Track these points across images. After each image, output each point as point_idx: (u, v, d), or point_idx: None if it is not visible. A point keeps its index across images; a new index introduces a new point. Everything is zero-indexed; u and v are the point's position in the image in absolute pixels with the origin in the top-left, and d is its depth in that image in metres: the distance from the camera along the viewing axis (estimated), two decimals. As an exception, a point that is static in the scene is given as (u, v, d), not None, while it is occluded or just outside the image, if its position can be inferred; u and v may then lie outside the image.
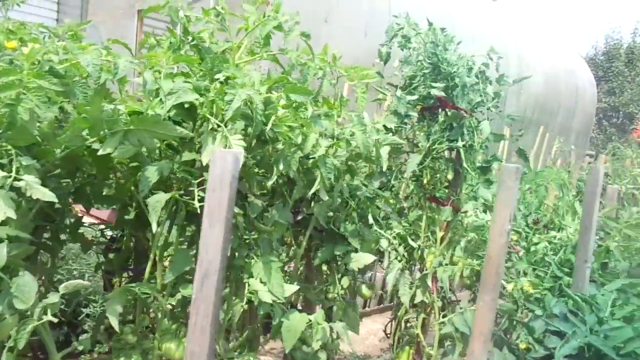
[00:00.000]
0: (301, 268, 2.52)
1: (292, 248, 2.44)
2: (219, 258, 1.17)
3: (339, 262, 2.35)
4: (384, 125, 2.92)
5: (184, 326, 2.01)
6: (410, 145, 3.01)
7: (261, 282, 1.62)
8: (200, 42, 1.82)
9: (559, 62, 14.23)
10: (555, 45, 14.61)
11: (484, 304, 1.47)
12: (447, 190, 2.97)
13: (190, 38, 1.81)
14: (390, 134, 2.91)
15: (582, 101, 14.95)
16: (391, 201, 3.13)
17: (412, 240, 2.68)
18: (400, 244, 2.39)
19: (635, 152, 6.59)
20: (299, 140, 1.66)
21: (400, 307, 2.93)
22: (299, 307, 2.65)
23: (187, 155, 1.60)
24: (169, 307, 1.97)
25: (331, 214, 2.37)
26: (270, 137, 1.57)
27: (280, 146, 1.57)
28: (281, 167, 1.59)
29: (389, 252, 2.33)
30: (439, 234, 2.90)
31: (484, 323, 1.44)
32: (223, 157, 1.22)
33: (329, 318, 2.49)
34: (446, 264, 2.67)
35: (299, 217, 2.31)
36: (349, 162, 2.44)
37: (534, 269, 2.32)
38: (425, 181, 2.93)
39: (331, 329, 2.40)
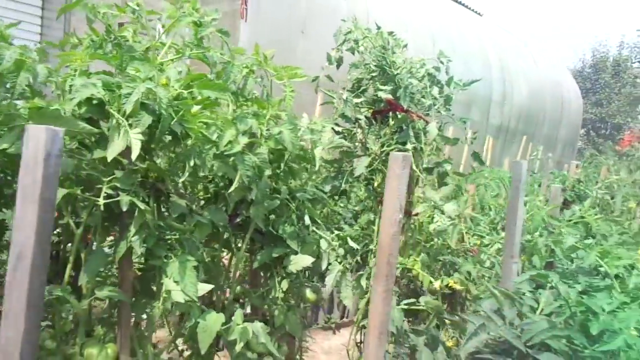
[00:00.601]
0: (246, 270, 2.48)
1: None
2: (34, 239, 1.14)
3: (279, 266, 2.31)
4: (333, 129, 2.93)
5: (112, 331, 1.96)
6: (362, 149, 2.99)
7: (175, 281, 1.59)
8: (123, 41, 1.81)
9: (544, 74, 14.35)
10: (540, 58, 14.74)
11: (377, 295, 1.44)
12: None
13: (112, 37, 1.81)
14: (340, 137, 2.92)
15: (567, 112, 15.05)
16: (341, 205, 3.11)
17: (362, 243, 2.65)
18: (340, 246, 2.36)
19: (612, 160, 6.62)
20: (215, 136, 1.64)
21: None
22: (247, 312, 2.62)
23: (98, 153, 1.58)
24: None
25: (273, 216, 2.35)
26: (180, 133, 1.55)
27: (190, 142, 1.56)
28: (192, 163, 1.57)
29: (328, 254, 2.29)
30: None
31: (377, 314, 1.41)
32: (36, 134, 1.17)
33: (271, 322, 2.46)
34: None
35: (238, 220, 2.29)
36: (291, 164, 2.43)
37: (480, 269, 2.30)
38: (376, 184, 2.91)
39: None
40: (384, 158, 2.87)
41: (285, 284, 2.29)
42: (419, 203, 2.88)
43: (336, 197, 2.93)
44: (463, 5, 13.99)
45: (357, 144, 2.97)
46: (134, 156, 1.43)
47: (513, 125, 12.41)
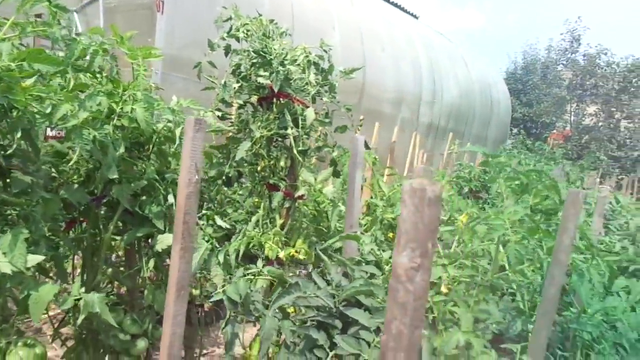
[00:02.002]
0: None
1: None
2: None
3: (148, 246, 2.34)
4: (219, 115, 2.99)
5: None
6: (248, 135, 3.06)
7: (3, 253, 1.60)
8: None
9: (475, 75, 14.94)
10: (471, 60, 15.34)
11: (175, 253, 1.51)
12: (285, 178, 3.04)
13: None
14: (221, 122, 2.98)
15: (497, 112, 15.74)
16: (232, 191, 3.17)
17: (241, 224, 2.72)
18: (209, 225, 2.41)
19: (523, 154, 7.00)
20: (49, 110, 1.66)
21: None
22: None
23: None
24: None
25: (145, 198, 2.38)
26: (6, 105, 1.56)
27: (15, 114, 1.57)
28: (18, 135, 1.58)
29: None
30: (279, 221, 2.96)
31: (175, 272, 1.48)
32: None
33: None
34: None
35: (105, 200, 2.30)
36: (162, 146, 2.47)
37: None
38: (259, 168, 2.98)
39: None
40: (264, 142, 2.96)
41: (152, 263, 2.33)
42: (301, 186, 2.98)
43: (220, 182, 2.99)
44: (397, 6, 14.35)
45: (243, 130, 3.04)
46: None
47: (443, 123, 12.86)
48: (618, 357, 1.95)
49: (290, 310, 1.83)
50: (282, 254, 2.00)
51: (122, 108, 2.00)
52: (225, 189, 3.16)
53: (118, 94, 2.04)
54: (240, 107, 3.02)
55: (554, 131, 21.51)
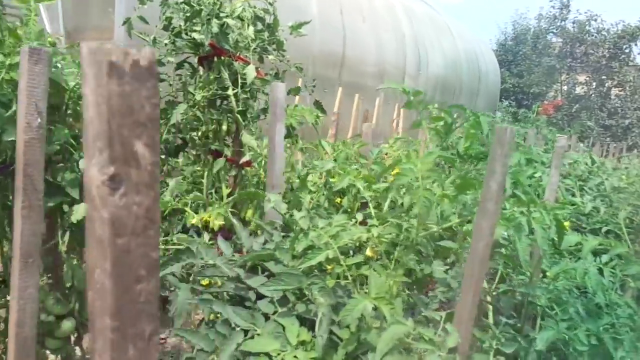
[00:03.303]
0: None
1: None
2: None
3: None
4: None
5: None
6: (186, 97, 2.82)
7: None
8: None
9: (461, 45, 14.60)
10: (456, 29, 14.98)
11: (17, 214, 1.29)
12: (230, 144, 2.82)
13: None
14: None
15: (485, 83, 15.44)
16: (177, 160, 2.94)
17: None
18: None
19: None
20: None
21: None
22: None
23: None
24: None
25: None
26: None
27: None
28: None
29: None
30: (225, 191, 2.73)
31: (18, 237, 1.26)
32: None
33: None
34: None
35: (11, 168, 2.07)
36: (77, 107, 2.23)
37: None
38: (200, 134, 2.75)
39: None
40: (204, 105, 2.72)
41: (67, 236, 2.12)
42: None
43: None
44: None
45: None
46: None
47: (429, 95, 12.57)
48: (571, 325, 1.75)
49: (204, 282, 1.62)
50: (194, 220, 1.78)
51: (11, 61, 1.75)
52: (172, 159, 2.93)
53: (4, 42, 1.79)
54: (178, 67, 2.77)
55: (545, 102, 21.27)
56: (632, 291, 2.70)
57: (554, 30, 20.69)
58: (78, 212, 2.06)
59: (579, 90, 19.84)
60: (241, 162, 2.76)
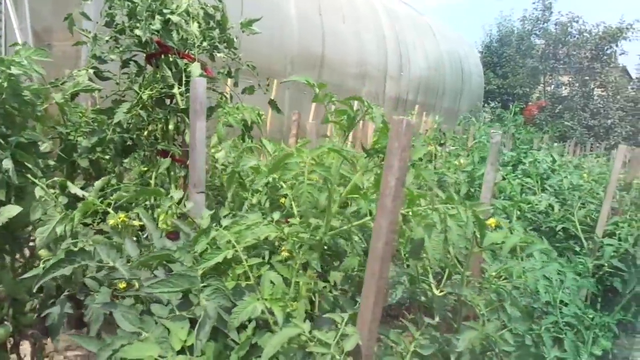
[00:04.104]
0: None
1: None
2: None
3: None
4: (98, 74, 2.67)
5: None
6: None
7: None
8: None
9: (444, 46, 14.62)
10: (439, 30, 15.01)
11: None
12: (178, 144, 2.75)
13: None
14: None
15: (468, 84, 15.47)
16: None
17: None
18: (60, 194, 2.12)
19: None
20: None
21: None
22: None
23: None
24: None
25: None
26: None
27: None
28: None
29: (42, 203, 2.06)
30: (175, 192, 2.66)
31: None
32: None
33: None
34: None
35: None
36: (6, 105, 2.15)
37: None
38: (146, 133, 2.69)
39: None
40: (149, 104, 2.65)
41: (-6, 240, 2.04)
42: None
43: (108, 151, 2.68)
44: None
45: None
46: None
47: (412, 97, 12.58)
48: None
49: (121, 285, 1.55)
50: (111, 222, 1.71)
51: None
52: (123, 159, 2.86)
53: None
54: (123, 65, 2.70)
55: (530, 103, 21.40)
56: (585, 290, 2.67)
57: (537, 32, 20.83)
58: (4, 215, 1.98)
59: (562, 91, 19.97)
60: (188, 162, 2.70)
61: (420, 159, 3.56)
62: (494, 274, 1.91)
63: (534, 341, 1.79)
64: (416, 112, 11.17)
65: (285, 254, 1.42)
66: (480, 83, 16.77)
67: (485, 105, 19.37)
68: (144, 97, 2.62)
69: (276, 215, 1.51)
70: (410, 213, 1.30)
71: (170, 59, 2.66)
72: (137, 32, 2.51)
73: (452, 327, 1.78)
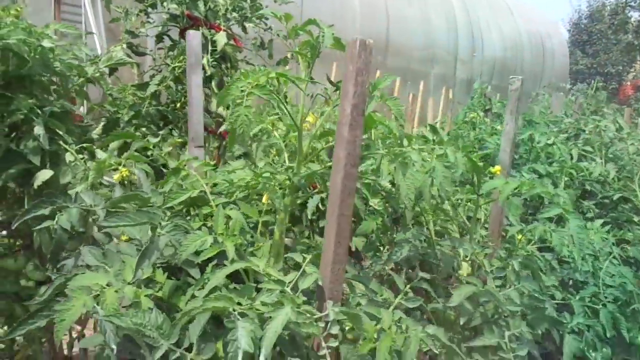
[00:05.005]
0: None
1: None
2: None
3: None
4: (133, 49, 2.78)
5: None
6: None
7: None
8: None
9: (522, 24, 13.77)
10: (517, 7, 14.14)
11: None
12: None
13: None
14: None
15: (550, 65, 14.46)
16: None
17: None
18: (89, 159, 2.22)
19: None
20: None
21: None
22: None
23: None
24: None
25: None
26: None
27: None
28: None
29: (72, 168, 2.16)
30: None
31: None
32: None
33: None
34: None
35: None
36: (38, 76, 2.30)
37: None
38: (178, 105, 2.76)
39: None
40: (181, 75, 2.72)
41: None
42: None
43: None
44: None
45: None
46: None
47: (485, 79, 11.96)
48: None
49: (123, 237, 1.59)
50: (116, 177, 1.76)
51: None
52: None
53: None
54: (158, 40, 2.80)
55: (628, 83, 19.61)
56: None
57: (633, 4, 18.96)
58: (39, 179, 2.12)
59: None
60: (219, 131, 2.74)
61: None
62: (517, 235, 1.75)
63: (557, 309, 1.62)
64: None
65: (264, 199, 1.38)
66: (564, 63, 15.61)
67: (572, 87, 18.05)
68: (176, 69, 2.70)
69: (261, 163, 1.48)
70: (383, 150, 1.21)
71: (200, 31, 2.71)
72: (166, 4, 2.58)
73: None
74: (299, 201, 1.52)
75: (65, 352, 2.47)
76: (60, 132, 2.22)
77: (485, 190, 1.42)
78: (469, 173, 1.36)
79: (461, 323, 1.55)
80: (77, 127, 2.32)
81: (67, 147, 2.19)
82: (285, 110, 1.20)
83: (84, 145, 2.20)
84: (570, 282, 2.13)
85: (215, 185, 1.38)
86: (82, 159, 2.21)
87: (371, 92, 1.18)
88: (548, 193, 1.39)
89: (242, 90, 1.12)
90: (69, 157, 2.19)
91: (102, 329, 1.26)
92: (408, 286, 1.39)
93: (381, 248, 1.98)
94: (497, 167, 1.57)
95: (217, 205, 1.29)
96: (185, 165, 1.47)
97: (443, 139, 1.27)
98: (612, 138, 3.14)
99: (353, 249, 2.01)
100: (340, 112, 1.09)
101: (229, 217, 1.22)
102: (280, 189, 1.29)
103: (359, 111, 1.08)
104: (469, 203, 1.59)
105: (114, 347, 1.31)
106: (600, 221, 2.10)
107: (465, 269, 1.65)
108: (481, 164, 1.32)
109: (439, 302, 1.57)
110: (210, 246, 1.15)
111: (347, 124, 1.08)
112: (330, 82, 1.38)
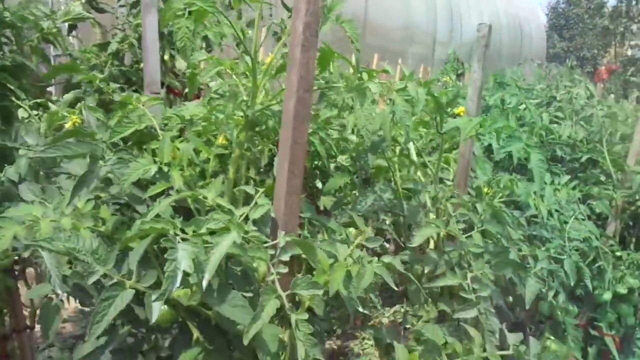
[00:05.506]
0: None
1: None
2: None
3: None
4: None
5: None
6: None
7: None
8: None
9: (501, 7, 13.82)
10: (496, -8, 14.15)
11: None
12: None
13: None
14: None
15: (528, 47, 14.56)
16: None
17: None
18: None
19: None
20: None
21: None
22: None
23: None
24: None
25: None
26: None
27: None
28: None
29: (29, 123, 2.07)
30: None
31: None
32: None
33: None
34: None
35: None
36: None
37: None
38: (142, 65, 2.66)
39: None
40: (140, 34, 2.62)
41: None
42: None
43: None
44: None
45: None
46: None
47: (463, 60, 11.98)
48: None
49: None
50: (68, 125, 1.68)
51: None
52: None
53: None
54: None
55: (603, 67, 19.87)
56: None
57: (608, -13, 19.17)
58: None
59: (637, 52, 18.38)
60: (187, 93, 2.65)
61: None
62: (483, 187, 1.73)
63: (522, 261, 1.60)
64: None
65: (220, 140, 1.32)
66: (542, 47, 15.75)
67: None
68: (139, 27, 2.59)
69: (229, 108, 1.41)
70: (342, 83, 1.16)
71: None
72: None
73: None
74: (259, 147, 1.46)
75: (28, 322, 2.39)
76: (12, 87, 2.11)
77: (447, 128, 1.38)
78: (430, 110, 1.32)
79: (425, 271, 1.53)
80: (33, 85, 2.21)
81: (19, 102, 2.09)
82: (230, 24, 1.13)
83: (39, 100, 2.10)
84: (537, 240, 2.13)
85: (166, 124, 1.32)
86: (36, 115, 2.12)
87: (326, 14, 1.12)
88: (510, 128, 1.36)
89: (184, 3, 1.06)
90: (21, 112, 2.09)
91: (48, 276, 1.20)
92: (370, 228, 1.35)
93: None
94: (461, 108, 1.54)
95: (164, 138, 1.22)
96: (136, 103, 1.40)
97: (412, 76, 1.23)
98: (583, 105, 3.14)
99: (322, 208, 1.96)
100: (292, 33, 1.03)
101: (177, 149, 1.16)
102: (236, 126, 1.23)
103: (312, 31, 1.02)
104: (432, 141, 1.56)
105: (59, 292, 1.25)
106: (567, 177, 2.09)
107: (431, 220, 1.62)
108: (444, 100, 1.29)
109: (407, 254, 1.55)
110: (156, 175, 1.09)
111: (299, 44, 1.02)
112: (285, 6, 1.31)
